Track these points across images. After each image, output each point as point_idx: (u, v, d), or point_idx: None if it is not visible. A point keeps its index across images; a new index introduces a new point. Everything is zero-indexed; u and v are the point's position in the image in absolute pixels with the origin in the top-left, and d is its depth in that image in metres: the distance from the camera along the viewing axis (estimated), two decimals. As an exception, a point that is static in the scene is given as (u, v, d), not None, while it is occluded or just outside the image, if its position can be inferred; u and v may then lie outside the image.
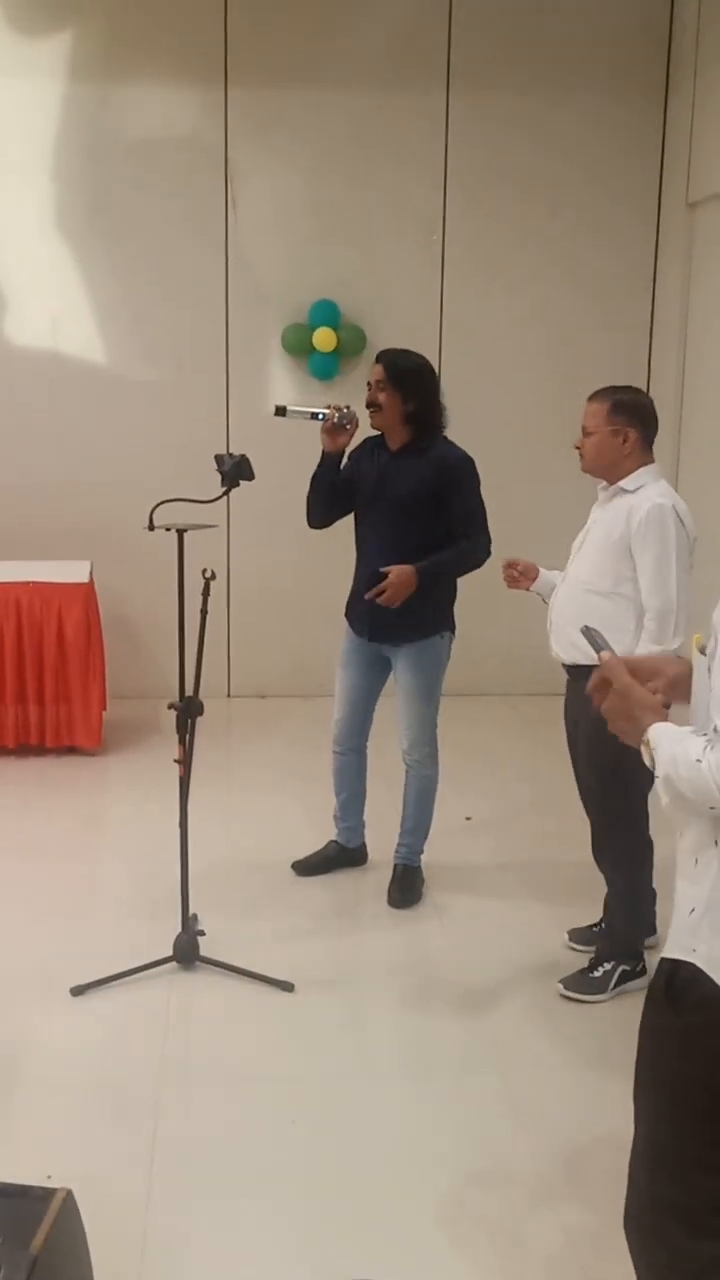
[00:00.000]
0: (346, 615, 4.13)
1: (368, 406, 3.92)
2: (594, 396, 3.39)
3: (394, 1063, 3.23)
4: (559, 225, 6.35)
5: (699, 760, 1.61)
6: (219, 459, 3.49)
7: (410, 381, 3.88)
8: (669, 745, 1.68)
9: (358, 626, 4.07)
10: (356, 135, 6.17)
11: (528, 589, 3.60)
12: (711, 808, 1.63)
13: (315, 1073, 3.13)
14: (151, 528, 3.48)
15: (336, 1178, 2.72)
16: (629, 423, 3.34)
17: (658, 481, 3.36)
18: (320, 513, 4.09)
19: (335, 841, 4.33)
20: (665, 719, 1.76)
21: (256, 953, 3.64)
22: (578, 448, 3.39)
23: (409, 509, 3.89)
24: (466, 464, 3.91)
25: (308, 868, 4.31)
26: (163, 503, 3.44)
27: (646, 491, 3.30)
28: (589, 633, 1.99)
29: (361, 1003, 3.51)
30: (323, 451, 3.97)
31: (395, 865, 4.18)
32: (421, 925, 3.99)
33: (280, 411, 3.83)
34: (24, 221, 6.12)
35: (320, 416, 3.85)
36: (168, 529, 3.48)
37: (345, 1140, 2.85)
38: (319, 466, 4.01)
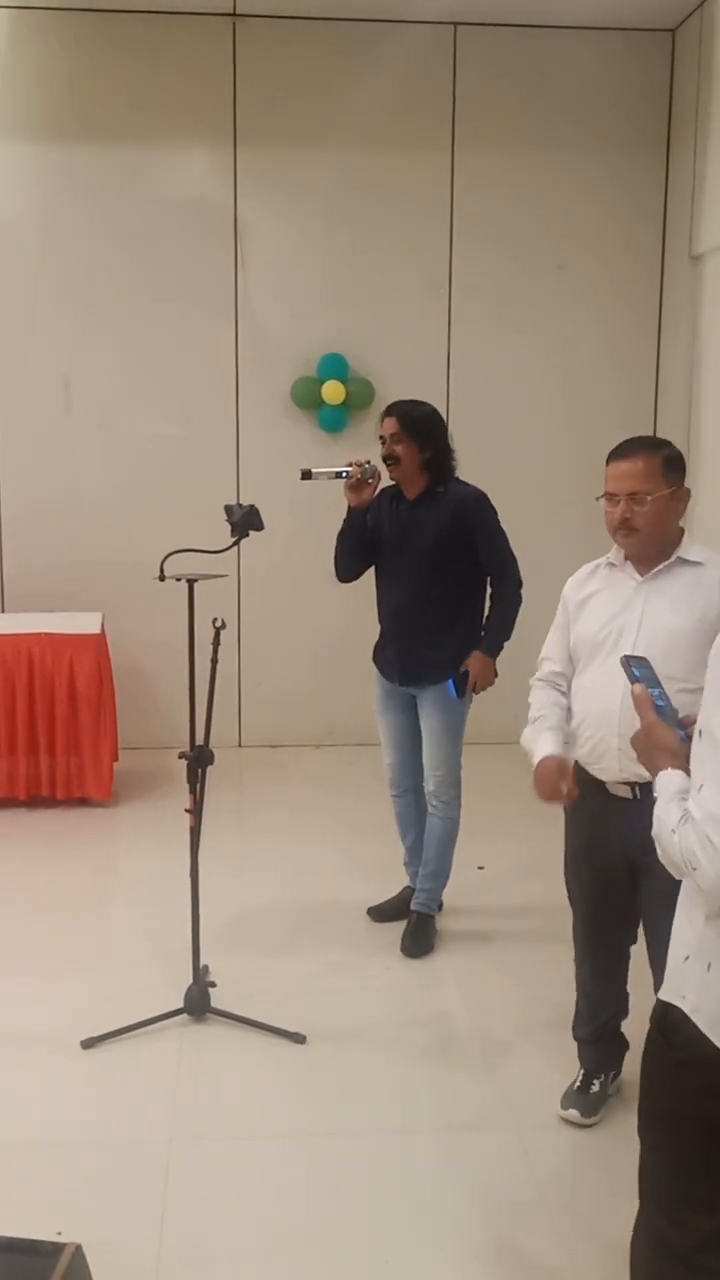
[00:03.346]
0: (375, 661, 4.17)
1: (385, 460, 3.96)
2: (631, 452, 2.73)
3: (407, 1118, 3.19)
4: (565, 278, 6.44)
5: (674, 831, 1.67)
6: (228, 509, 3.51)
7: (424, 430, 3.93)
8: (660, 805, 1.74)
9: (388, 672, 4.11)
10: (363, 192, 6.28)
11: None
12: (692, 870, 1.67)
13: (328, 1128, 3.10)
14: (162, 578, 3.51)
15: (350, 1237, 2.68)
16: (682, 478, 2.76)
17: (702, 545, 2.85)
18: (350, 567, 4.12)
19: (410, 887, 4.31)
20: (681, 763, 1.79)
21: (268, 1004, 3.61)
22: (627, 520, 2.71)
23: (433, 558, 3.94)
24: (482, 501, 3.97)
25: (384, 914, 4.30)
26: (173, 553, 3.47)
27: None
28: (629, 662, 2.02)
29: (374, 1056, 3.46)
30: (348, 507, 4.00)
31: (411, 913, 4.16)
32: (435, 975, 3.95)
33: (306, 475, 3.86)
34: (36, 281, 6.23)
35: (344, 474, 3.89)
36: (178, 579, 3.50)
37: (358, 1199, 2.81)
38: (346, 523, 4.04)
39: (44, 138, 6.11)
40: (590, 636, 2.82)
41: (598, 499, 2.77)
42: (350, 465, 3.90)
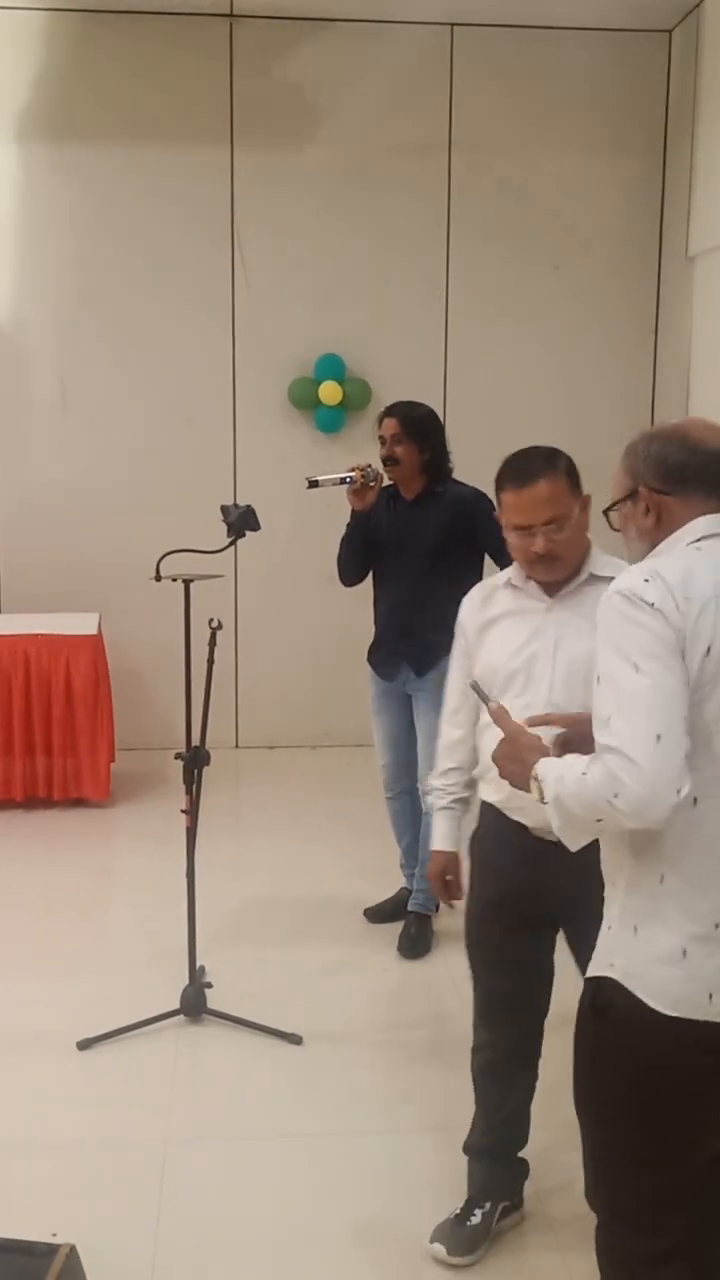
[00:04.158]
0: (370, 661, 4.18)
1: (385, 462, 3.99)
2: (535, 475, 2.43)
3: (403, 1120, 3.18)
4: (562, 279, 6.44)
5: (584, 773, 1.71)
6: (225, 510, 3.52)
7: (423, 431, 3.98)
8: (555, 768, 1.79)
9: (384, 671, 4.11)
10: (360, 193, 6.27)
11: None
12: (598, 820, 1.71)
13: (324, 1129, 3.10)
14: (158, 578, 3.51)
15: (346, 1238, 2.68)
16: (580, 485, 2.48)
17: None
18: (355, 571, 4.15)
19: (406, 888, 4.31)
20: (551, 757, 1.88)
21: (264, 1004, 3.61)
22: (551, 552, 2.42)
23: (433, 557, 3.97)
24: (482, 498, 3.97)
25: (381, 915, 4.31)
26: (169, 553, 3.47)
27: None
28: (476, 687, 2.09)
29: (371, 1057, 3.47)
30: (352, 512, 4.03)
31: (408, 914, 4.16)
32: (432, 976, 3.95)
33: (313, 484, 3.89)
34: (32, 281, 6.22)
35: (348, 480, 3.92)
36: (174, 579, 3.50)
37: (354, 1200, 2.81)
38: (350, 527, 4.08)
39: (41, 137, 6.10)
40: (499, 667, 2.48)
41: (502, 536, 2.50)
42: (353, 470, 3.93)
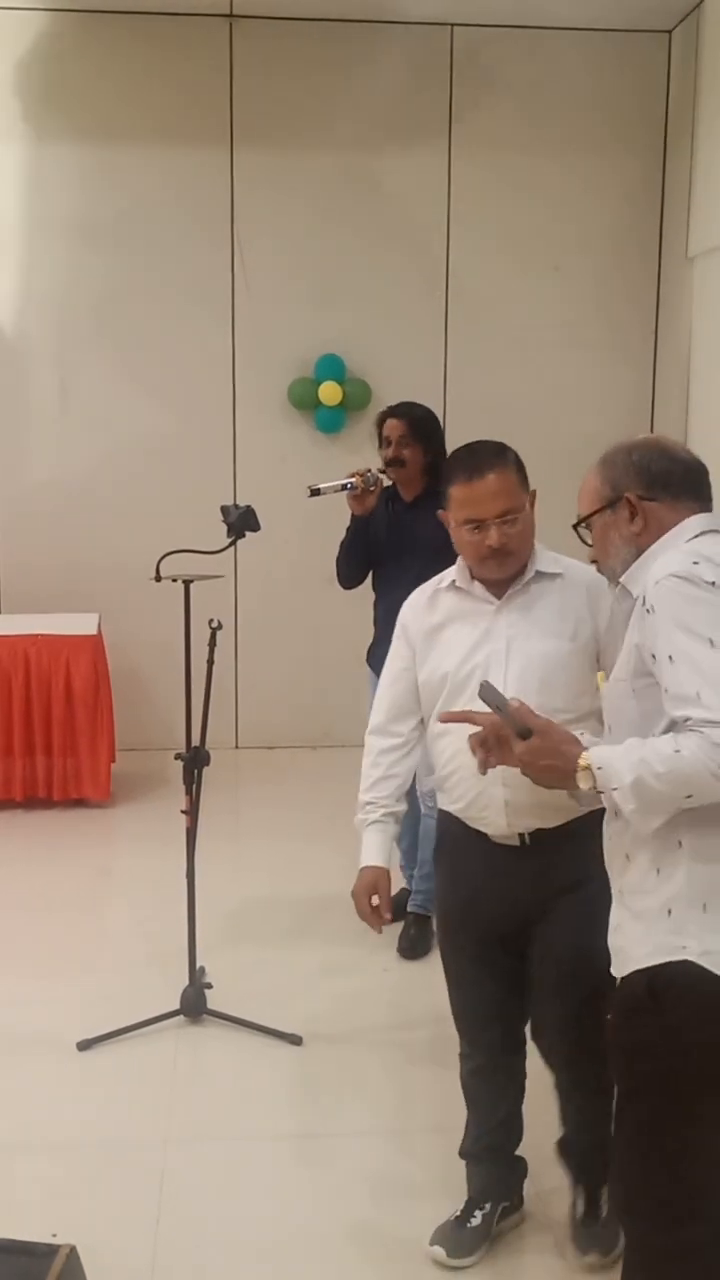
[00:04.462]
0: (370, 661, 4.18)
1: (390, 464, 4.01)
2: (486, 467, 2.37)
3: (403, 1120, 3.19)
4: (561, 279, 6.44)
5: (677, 750, 1.69)
6: (225, 510, 3.52)
7: (427, 432, 4.03)
8: (626, 753, 1.76)
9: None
10: (360, 193, 6.27)
11: None
12: (687, 796, 1.70)
13: (323, 1130, 3.10)
14: (158, 579, 3.51)
15: (346, 1239, 2.68)
16: (526, 479, 2.45)
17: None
18: (355, 575, 4.18)
19: (405, 889, 4.31)
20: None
21: (264, 1005, 3.61)
22: (505, 545, 2.38)
23: (434, 557, 3.94)
24: None
25: None
26: (169, 554, 3.47)
27: (583, 565, 2.32)
28: (488, 688, 1.98)
29: (370, 1057, 3.47)
30: (352, 516, 4.05)
31: (407, 914, 4.16)
32: (432, 976, 3.92)
33: (314, 492, 3.93)
34: (31, 281, 6.22)
35: (349, 486, 3.94)
36: (174, 580, 3.51)
37: (354, 1200, 2.81)
38: (351, 532, 4.10)
39: (41, 138, 6.10)
40: (450, 674, 2.43)
41: (466, 529, 2.40)
42: (353, 476, 3.95)
